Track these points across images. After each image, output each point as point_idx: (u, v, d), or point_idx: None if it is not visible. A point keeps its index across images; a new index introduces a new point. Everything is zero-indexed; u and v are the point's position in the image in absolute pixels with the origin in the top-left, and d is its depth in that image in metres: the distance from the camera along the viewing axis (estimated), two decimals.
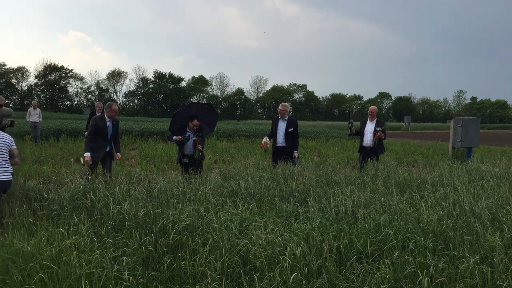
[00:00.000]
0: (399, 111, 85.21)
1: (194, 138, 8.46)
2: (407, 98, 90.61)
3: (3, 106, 7.74)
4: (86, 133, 13.79)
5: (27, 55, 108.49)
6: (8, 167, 5.54)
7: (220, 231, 4.21)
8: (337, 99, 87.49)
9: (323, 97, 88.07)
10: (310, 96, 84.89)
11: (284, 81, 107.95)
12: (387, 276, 3.44)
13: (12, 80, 65.47)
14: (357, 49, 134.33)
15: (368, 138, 9.65)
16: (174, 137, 8.38)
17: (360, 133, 9.87)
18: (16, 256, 3.67)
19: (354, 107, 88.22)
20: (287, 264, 3.47)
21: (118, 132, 8.47)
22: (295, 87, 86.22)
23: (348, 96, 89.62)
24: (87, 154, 7.81)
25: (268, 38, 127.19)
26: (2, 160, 5.49)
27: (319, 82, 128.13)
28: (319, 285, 3.36)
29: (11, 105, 54.76)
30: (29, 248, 3.75)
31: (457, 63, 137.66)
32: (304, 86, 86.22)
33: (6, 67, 64.30)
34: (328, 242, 3.99)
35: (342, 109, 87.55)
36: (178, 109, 9.01)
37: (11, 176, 5.56)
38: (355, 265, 3.76)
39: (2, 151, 5.54)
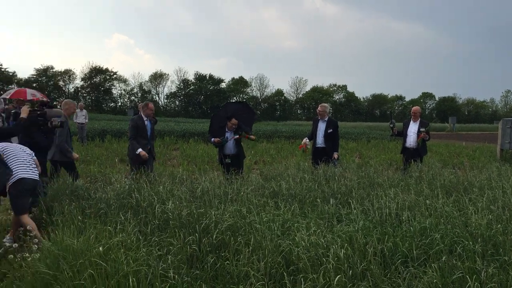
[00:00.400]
0: (443, 111, 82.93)
1: (235, 137, 8.53)
2: (451, 99, 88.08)
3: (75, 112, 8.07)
4: None
5: (73, 58, 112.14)
6: (35, 170, 5.69)
7: (263, 231, 4.22)
8: (378, 100, 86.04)
9: (363, 98, 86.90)
10: (350, 96, 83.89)
11: (324, 82, 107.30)
12: (434, 281, 3.36)
13: (60, 83, 67.93)
14: (399, 48, 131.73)
15: (411, 139, 9.46)
16: (213, 139, 8.50)
17: (403, 134, 9.68)
18: (66, 253, 3.80)
19: (396, 107, 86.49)
20: (331, 266, 3.44)
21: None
22: (335, 88, 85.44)
23: (389, 96, 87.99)
24: (140, 149, 8.12)
25: (307, 39, 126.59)
26: (31, 164, 5.65)
27: (359, 82, 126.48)
28: None
29: (59, 106, 56.66)
30: (78, 245, 3.88)
31: (504, 61, 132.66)
32: (345, 86, 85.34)
33: (54, 70, 66.80)
34: (372, 245, 3.93)
35: (383, 110, 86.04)
36: (215, 112, 9.16)
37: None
38: (400, 269, 3.69)
39: (29, 157, 5.70)
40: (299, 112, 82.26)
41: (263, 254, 3.75)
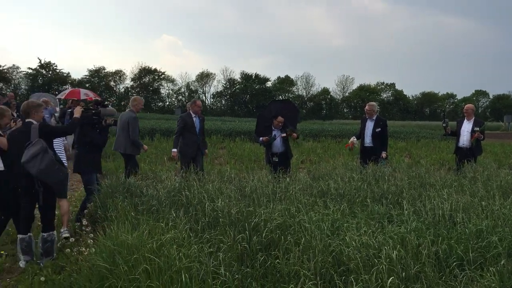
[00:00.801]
0: (498, 110, 79.51)
1: (282, 135, 8.55)
2: (506, 96, 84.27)
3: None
4: None
5: (124, 59, 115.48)
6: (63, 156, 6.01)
7: (312, 231, 4.19)
8: (428, 98, 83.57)
9: (412, 96, 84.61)
10: (398, 95, 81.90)
11: (371, 80, 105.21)
12: (492, 285, 3.24)
13: (111, 83, 70.16)
14: (450, 45, 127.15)
15: (465, 139, 9.14)
16: (261, 139, 8.55)
17: (456, 133, 9.37)
18: (121, 248, 3.92)
19: (447, 106, 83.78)
20: (383, 267, 3.38)
21: (203, 129, 8.91)
22: (382, 86, 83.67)
23: (440, 94, 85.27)
24: (174, 150, 8.63)
25: (355, 37, 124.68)
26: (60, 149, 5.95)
27: (408, 80, 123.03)
28: None
29: (110, 106, 58.54)
30: (132, 240, 3.99)
31: None
32: (393, 85, 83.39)
33: (105, 71, 69.07)
34: (426, 247, 3.82)
35: (433, 109, 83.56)
36: (260, 112, 9.24)
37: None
38: (455, 272, 3.58)
39: (60, 142, 6.04)
40: (345, 111, 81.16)
41: (313, 254, 3.72)
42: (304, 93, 79.21)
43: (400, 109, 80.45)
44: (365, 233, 4.15)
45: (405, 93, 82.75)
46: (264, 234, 4.17)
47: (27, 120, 5.44)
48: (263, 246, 4.08)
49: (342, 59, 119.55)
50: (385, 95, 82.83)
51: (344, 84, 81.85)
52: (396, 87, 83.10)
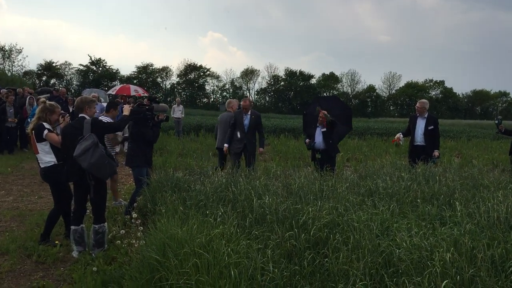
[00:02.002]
0: None
1: (323, 130, 8.50)
2: None
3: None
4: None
5: (171, 56, 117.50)
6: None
7: (361, 230, 4.13)
8: (479, 96, 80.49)
9: (463, 94, 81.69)
10: (448, 92, 79.31)
11: (419, 77, 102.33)
12: None
13: (158, 79, 71.56)
14: (504, 41, 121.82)
15: None
16: (307, 140, 8.64)
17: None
18: (171, 241, 3.99)
19: (500, 104, 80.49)
20: (436, 270, 3.28)
21: (260, 125, 9.04)
22: (431, 84, 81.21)
23: (492, 92, 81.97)
24: (225, 145, 8.99)
25: (403, 33, 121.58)
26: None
27: (458, 78, 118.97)
28: None
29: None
30: (182, 234, 4.06)
31: None
32: (442, 82, 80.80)
33: (153, 67, 70.50)
34: (481, 250, 3.68)
35: (485, 107, 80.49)
36: (305, 111, 9.22)
37: None
38: None
39: None
40: (391, 108, 79.37)
41: (362, 254, 3.67)
42: (349, 90, 78.07)
43: (449, 108, 77.93)
44: (416, 234, 4.04)
45: (455, 90, 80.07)
46: (312, 232, 4.14)
47: (80, 115, 5.63)
48: (311, 244, 4.05)
49: (389, 56, 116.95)
50: (433, 93, 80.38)
51: (390, 81, 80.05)
52: (446, 85, 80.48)
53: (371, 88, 77.00)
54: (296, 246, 3.95)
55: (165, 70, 71.89)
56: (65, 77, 66.21)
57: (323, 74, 77.97)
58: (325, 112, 8.36)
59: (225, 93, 74.26)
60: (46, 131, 5.68)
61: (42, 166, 5.75)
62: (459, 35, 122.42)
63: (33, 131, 5.71)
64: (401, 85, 78.94)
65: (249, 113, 9.12)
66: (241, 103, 9.32)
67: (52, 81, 63.43)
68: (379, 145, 18.09)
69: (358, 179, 6.81)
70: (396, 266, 3.58)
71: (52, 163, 5.74)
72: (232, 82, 75.17)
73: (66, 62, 66.12)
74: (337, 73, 78.29)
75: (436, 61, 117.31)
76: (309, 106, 9.53)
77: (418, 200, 5.45)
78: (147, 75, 70.26)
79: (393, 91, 79.03)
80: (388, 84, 79.78)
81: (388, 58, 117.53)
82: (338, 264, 3.57)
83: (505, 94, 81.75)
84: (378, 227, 4.33)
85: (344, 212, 4.72)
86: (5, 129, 13.17)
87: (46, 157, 5.72)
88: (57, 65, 64.61)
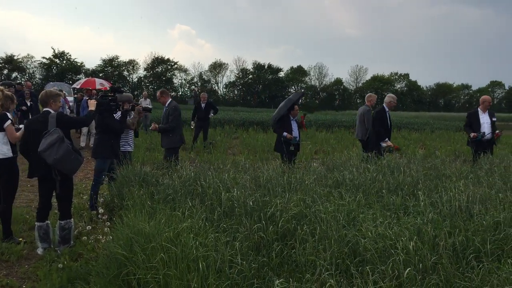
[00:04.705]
0: None
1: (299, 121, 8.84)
2: None
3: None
4: (192, 122, 14.57)
5: (138, 49, 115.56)
6: None
7: (328, 221, 4.19)
8: (442, 89, 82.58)
9: (427, 87, 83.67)
10: (412, 85, 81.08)
11: (384, 71, 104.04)
12: (510, 277, 3.21)
13: (124, 72, 70.40)
14: (466, 35, 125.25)
15: (486, 131, 9.10)
16: (285, 134, 8.69)
17: (472, 125, 9.30)
18: (138, 236, 3.96)
19: (462, 97, 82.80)
20: (400, 258, 3.37)
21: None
22: (396, 77, 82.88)
23: (455, 85, 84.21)
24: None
25: (369, 27, 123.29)
26: None
27: (422, 71, 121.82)
28: (434, 282, 3.22)
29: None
30: (149, 229, 4.03)
31: None
32: (407, 75, 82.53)
33: (119, 60, 69.28)
34: (443, 238, 3.80)
35: (448, 99, 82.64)
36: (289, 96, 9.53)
37: None
38: (472, 264, 3.55)
39: None
40: (358, 101, 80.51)
41: (329, 244, 3.72)
42: (317, 84, 78.82)
43: (414, 100, 79.69)
44: (381, 224, 4.13)
45: (419, 83, 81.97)
46: (280, 224, 4.18)
47: (44, 109, 5.50)
48: (279, 236, 4.09)
49: (356, 49, 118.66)
50: (398, 86, 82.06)
51: (357, 74, 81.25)
52: (410, 78, 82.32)
53: (338, 81, 77.99)
54: (264, 238, 3.98)
55: (131, 63, 70.83)
56: (28, 70, 64.37)
57: (291, 68, 78.40)
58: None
59: (193, 86, 73.73)
60: (9, 122, 5.55)
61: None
62: (424, 29, 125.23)
63: None
64: (367, 78, 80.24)
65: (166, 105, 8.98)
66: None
67: (14, 74, 61.55)
68: (346, 137, 18.36)
69: (325, 171, 6.90)
70: (361, 255, 3.65)
71: (9, 156, 5.60)
72: (200, 75, 74.72)
73: (28, 55, 64.33)
74: (305, 66, 78.88)
75: (400, 54, 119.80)
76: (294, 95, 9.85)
77: (384, 191, 5.56)
78: (113, 68, 69.04)
79: (360, 84, 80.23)
80: (355, 77, 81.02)
81: (355, 51, 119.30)
82: (305, 255, 3.62)
83: (467, 87, 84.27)
84: (345, 217, 4.40)
85: (311, 204, 4.78)
86: None
87: (3, 148, 5.56)
88: (19, 58, 62.71)
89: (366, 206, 5.02)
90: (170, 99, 8.78)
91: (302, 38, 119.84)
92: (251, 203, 4.71)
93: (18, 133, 5.60)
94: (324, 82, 78.75)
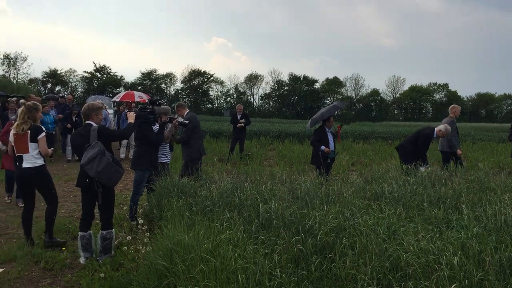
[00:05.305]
0: None
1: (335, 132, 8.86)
2: None
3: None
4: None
5: (175, 62, 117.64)
6: None
7: (368, 234, 4.12)
8: (484, 99, 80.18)
9: (467, 97, 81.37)
10: (452, 95, 79.03)
11: (423, 81, 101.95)
12: None
13: (162, 85, 71.74)
14: (508, 43, 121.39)
15: None
16: (323, 147, 8.70)
17: None
18: (178, 247, 4.00)
19: (504, 107, 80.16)
20: (444, 274, 3.27)
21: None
22: (435, 87, 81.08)
23: (497, 95, 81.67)
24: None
25: (406, 36, 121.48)
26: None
27: (462, 80, 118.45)
28: None
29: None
30: (189, 240, 4.07)
31: None
32: (446, 85, 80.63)
33: (157, 73, 70.71)
34: (488, 254, 3.67)
35: (489, 110, 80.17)
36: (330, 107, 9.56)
37: None
38: None
39: None
40: (396, 112, 79.28)
41: (369, 258, 3.66)
42: (353, 94, 78.04)
43: None
44: (423, 238, 4.04)
45: (459, 94, 79.88)
46: (318, 237, 4.14)
47: (86, 122, 5.67)
48: (317, 249, 4.04)
49: (393, 60, 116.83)
50: (438, 96, 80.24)
51: (394, 85, 79.90)
52: (450, 88, 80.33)
53: (375, 92, 76.95)
54: (303, 251, 3.94)
55: (169, 76, 72.06)
56: (70, 84, 66.46)
57: (327, 79, 77.92)
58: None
59: (229, 98, 74.36)
60: (43, 134, 6.01)
61: (30, 166, 5.92)
62: (463, 38, 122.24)
63: (28, 131, 5.89)
64: (405, 89, 78.83)
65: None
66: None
67: (57, 88, 63.65)
68: (384, 149, 18.05)
69: (363, 183, 6.80)
70: (403, 270, 3.57)
71: (42, 163, 6.02)
72: (236, 87, 75.27)
73: (71, 69, 66.36)
74: (341, 77, 78.23)
75: (439, 64, 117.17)
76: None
77: (425, 204, 5.44)
78: (151, 81, 70.43)
79: (397, 95, 78.91)
80: (392, 88, 79.65)
81: (392, 61, 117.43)
82: (345, 269, 3.57)
83: (509, 96, 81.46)
84: (385, 231, 4.32)
85: (350, 217, 4.71)
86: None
87: (36, 157, 5.96)
88: (61, 73, 64.88)
89: (407, 220, 4.92)
90: (187, 111, 8.86)
91: (337, 49, 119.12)
92: (288, 215, 4.69)
93: (50, 150, 6.15)
94: (360, 93, 77.93)
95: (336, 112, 10.43)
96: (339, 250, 3.86)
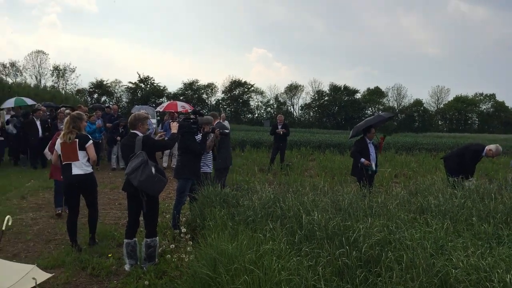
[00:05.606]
0: None
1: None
2: None
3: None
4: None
5: (216, 73, 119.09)
6: None
7: (414, 249, 4.02)
8: None
9: None
10: (500, 106, 76.43)
11: (468, 91, 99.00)
12: None
13: (203, 95, 72.80)
14: None
15: None
16: (362, 160, 8.60)
17: None
18: (222, 256, 4.02)
19: None
20: None
21: None
22: (481, 97, 78.61)
23: None
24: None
25: (451, 46, 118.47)
26: None
27: (510, 90, 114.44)
28: None
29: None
30: (232, 250, 4.08)
31: None
32: (493, 95, 78.02)
33: (198, 84, 71.84)
34: None
35: None
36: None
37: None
38: None
39: None
40: (440, 123, 77.28)
41: (416, 273, 3.57)
42: (395, 105, 76.68)
43: (501, 122, 74.99)
44: (473, 254, 3.90)
45: (507, 104, 77.07)
46: (363, 250, 4.07)
47: (132, 131, 5.82)
48: (362, 262, 3.97)
49: (436, 69, 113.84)
50: (484, 107, 77.76)
51: (438, 95, 78.03)
52: (497, 98, 77.69)
53: (418, 103, 75.32)
54: (348, 264, 3.88)
55: (210, 87, 73.04)
56: (115, 94, 68.44)
57: (368, 89, 76.95)
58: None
59: (269, 108, 74.57)
60: (91, 141, 6.34)
61: (82, 172, 6.18)
62: (510, 47, 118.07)
63: (76, 140, 6.16)
64: (449, 99, 76.79)
65: None
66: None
67: (103, 98, 65.68)
68: (428, 161, 17.60)
69: (408, 196, 6.65)
70: (453, 287, 3.46)
71: (91, 171, 6.33)
72: (276, 97, 75.43)
73: (116, 80, 68.35)
74: (383, 87, 77.04)
75: (486, 73, 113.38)
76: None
77: (473, 218, 5.26)
78: (193, 92, 71.57)
79: (442, 106, 76.95)
80: (436, 98, 77.78)
81: (436, 71, 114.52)
82: (392, 284, 3.49)
83: None
84: (432, 246, 4.20)
85: (395, 230, 4.61)
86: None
87: (86, 164, 6.25)
88: (107, 83, 66.97)
89: (455, 234, 4.76)
90: (217, 121, 9.02)
91: (379, 58, 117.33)
92: (332, 227, 4.63)
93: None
94: (402, 103, 76.48)
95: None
96: (385, 264, 3.78)
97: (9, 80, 54.00)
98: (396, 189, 7.63)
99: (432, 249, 4.12)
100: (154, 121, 23.35)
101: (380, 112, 10.73)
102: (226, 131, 8.13)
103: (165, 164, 14.89)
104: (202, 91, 72.79)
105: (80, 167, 6.13)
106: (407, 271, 3.64)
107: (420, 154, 20.36)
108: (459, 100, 75.16)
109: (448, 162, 9.17)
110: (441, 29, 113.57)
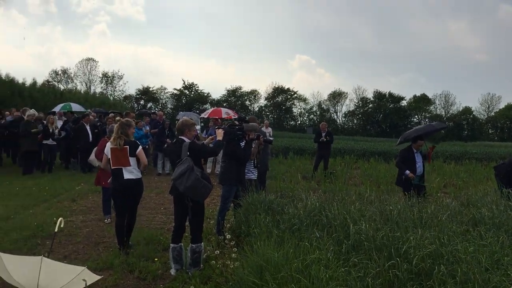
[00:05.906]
0: None
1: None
2: None
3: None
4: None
5: (260, 80, 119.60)
6: None
7: (468, 262, 3.85)
8: None
9: None
10: None
11: None
12: None
13: (246, 102, 73.30)
14: None
15: None
16: (407, 172, 8.40)
17: None
18: (268, 264, 3.99)
19: None
20: None
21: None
22: None
23: None
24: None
25: (502, 52, 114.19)
26: None
27: None
28: None
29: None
30: (278, 258, 4.04)
31: None
32: None
33: (241, 90, 72.43)
34: None
35: None
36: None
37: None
38: None
39: None
40: (490, 132, 74.53)
41: None
42: (443, 113, 74.55)
43: None
44: None
45: None
46: (414, 262, 3.94)
47: (180, 137, 5.89)
48: (413, 275, 3.84)
49: (487, 76, 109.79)
50: None
51: (489, 102, 75.30)
52: None
53: (467, 110, 72.93)
54: (398, 276, 3.76)
55: (253, 93, 73.44)
56: (161, 100, 69.96)
57: (414, 96, 75.18)
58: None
59: (312, 115, 74.18)
60: (140, 147, 6.44)
61: (134, 177, 6.31)
62: None
63: (126, 146, 6.28)
64: (501, 107, 73.94)
65: None
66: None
67: (149, 104, 67.27)
68: (478, 170, 16.96)
69: (459, 207, 6.41)
70: None
71: (141, 176, 6.46)
72: (319, 104, 74.96)
73: (161, 86, 69.97)
74: (430, 94, 75.05)
75: None
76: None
77: None
78: (236, 98, 72.18)
79: (492, 114, 74.20)
80: (487, 106, 75.08)
81: (486, 78, 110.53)
82: None
83: None
84: (487, 260, 4.02)
85: (447, 242, 4.44)
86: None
87: (137, 170, 6.38)
88: (153, 90, 68.59)
89: (511, 248, 4.54)
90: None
91: (425, 65, 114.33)
92: (380, 238, 4.51)
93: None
94: (451, 111, 74.28)
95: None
96: (437, 278, 3.64)
97: (61, 87, 56.51)
98: (446, 199, 7.39)
99: (487, 263, 3.94)
100: (198, 127, 23.67)
101: (433, 123, 10.55)
102: (271, 138, 8.13)
103: (209, 170, 15.03)
104: (245, 97, 73.30)
105: (131, 172, 6.27)
106: (462, 286, 3.49)
107: (470, 164, 19.65)
108: (511, 108, 72.25)
109: (498, 171, 8.82)
110: (491, 35, 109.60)
